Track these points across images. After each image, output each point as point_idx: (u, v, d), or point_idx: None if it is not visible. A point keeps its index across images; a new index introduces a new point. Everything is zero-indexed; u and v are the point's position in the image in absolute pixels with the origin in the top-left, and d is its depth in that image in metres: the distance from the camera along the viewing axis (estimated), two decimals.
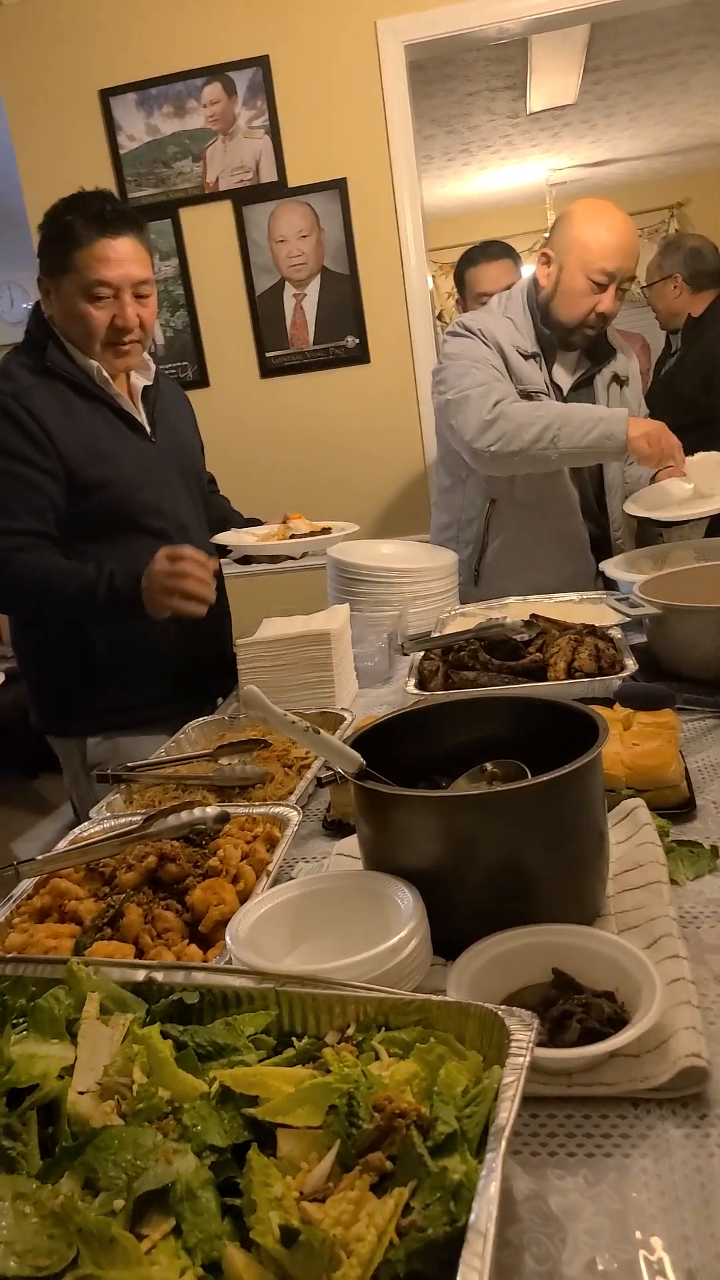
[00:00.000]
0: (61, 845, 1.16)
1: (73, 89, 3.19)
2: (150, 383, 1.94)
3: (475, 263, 3.26)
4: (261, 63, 3.09)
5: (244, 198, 3.20)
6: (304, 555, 1.91)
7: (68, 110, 3.21)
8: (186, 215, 3.26)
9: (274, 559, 1.96)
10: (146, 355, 1.93)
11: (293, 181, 3.18)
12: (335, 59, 3.06)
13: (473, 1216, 0.51)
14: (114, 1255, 0.49)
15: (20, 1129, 0.59)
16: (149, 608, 1.63)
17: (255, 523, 2.07)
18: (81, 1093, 0.62)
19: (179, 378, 3.34)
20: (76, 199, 1.78)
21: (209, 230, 3.26)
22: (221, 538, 1.93)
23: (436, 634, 1.84)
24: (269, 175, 3.18)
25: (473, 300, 3.20)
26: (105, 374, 1.81)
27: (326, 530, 1.88)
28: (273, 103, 3.12)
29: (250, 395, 3.38)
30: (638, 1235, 0.60)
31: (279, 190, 3.18)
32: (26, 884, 1.07)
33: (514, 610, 1.92)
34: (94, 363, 1.80)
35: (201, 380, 3.38)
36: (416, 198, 3.18)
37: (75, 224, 1.72)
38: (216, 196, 3.22)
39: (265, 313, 3.30)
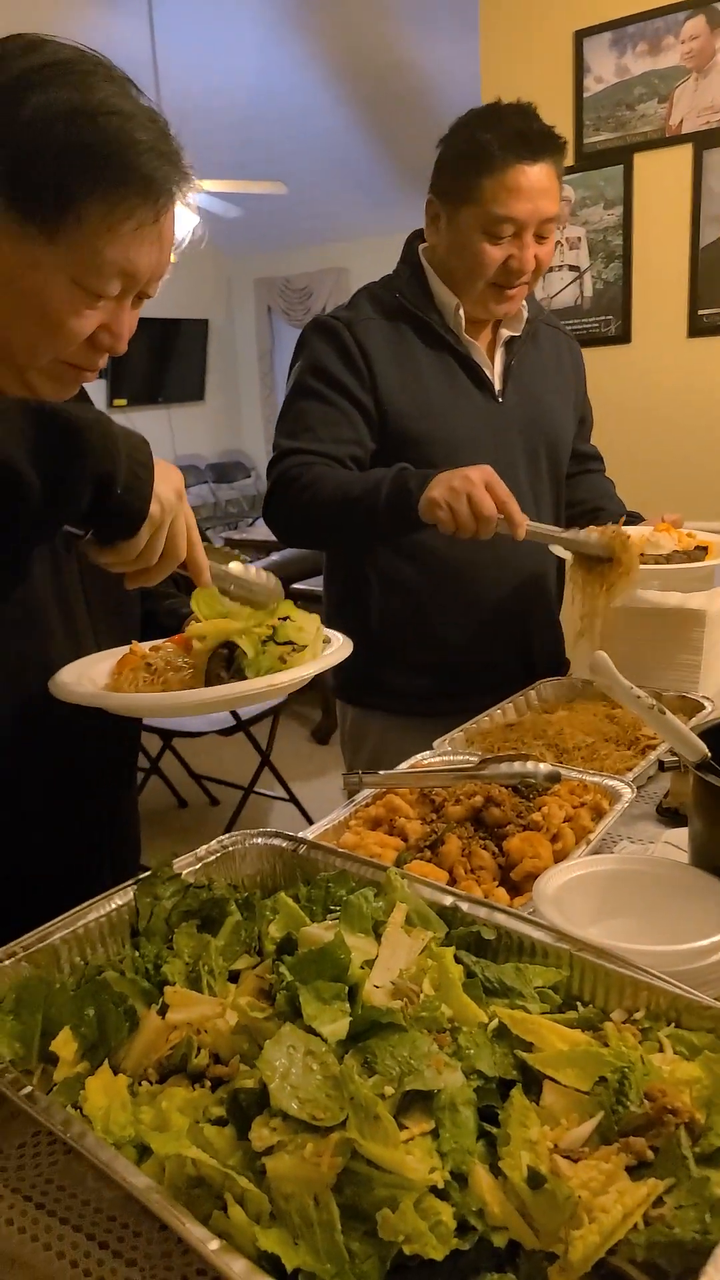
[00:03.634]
0: (403, 766, 1.25)
1: (549, 31, 3.17)
2: (517, 334, 1.70)
3: None
4: None
5: (707, 141, 3.00)
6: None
7: (540, 53, 3.20)
8: (640, 160, 3.13)
9: None
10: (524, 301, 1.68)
11: None
12: None
13: None
14: (376, 1131, 0.54)
15: None
16: (422, 503, 1.37)
17: (635, 519, 1.77)
18: (377, 986, 0.68)
19: (599, 333, 3.27)
20: (491, 112, 1.52)
21: (662, 177, 3.10)
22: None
23: None
24: None
25: None
26: (461, 318, 1.61)
27: (701, 549, 1.56)
28: None
29: (674, 355, 3.21)
30: None
31: None
32: (367, 793, 1.17)
33: None
34: (453, 301, 1.60)
35: (623, 337, 3.27)
36: None
37: (490, 144, 1.46)
38: (677, 140, 3.05)
39: (706, 267, 3.09)
